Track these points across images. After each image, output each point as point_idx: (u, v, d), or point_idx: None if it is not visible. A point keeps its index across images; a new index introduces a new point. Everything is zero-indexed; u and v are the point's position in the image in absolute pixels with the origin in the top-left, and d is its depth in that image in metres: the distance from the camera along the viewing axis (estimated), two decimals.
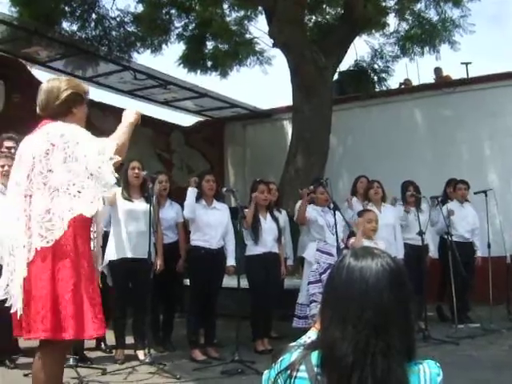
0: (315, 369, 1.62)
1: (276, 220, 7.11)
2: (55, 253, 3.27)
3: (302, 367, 1.64)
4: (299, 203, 7.39)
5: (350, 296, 1.63)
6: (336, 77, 12.16)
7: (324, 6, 12.43)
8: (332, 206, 6.98)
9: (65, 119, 3.55)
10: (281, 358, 1.71)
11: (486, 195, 8.53)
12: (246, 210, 6.81)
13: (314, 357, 1.65)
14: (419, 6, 11.71)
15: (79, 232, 3.37)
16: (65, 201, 3.33)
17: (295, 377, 1.64)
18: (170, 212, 7.05)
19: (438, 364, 1.65)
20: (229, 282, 6.88)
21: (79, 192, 3.34)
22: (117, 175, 3.43)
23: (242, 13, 11.97)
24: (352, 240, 6.70)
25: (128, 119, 3.67)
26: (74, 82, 3.79)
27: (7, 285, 3.34)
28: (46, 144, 3.40)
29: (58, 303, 3.22)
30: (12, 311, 3.29)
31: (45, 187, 3.36)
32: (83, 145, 3.39)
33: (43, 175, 3.37)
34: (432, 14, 11.56)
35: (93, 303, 3.32)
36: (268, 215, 7.06)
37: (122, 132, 3.58)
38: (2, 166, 5.95)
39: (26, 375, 5.40)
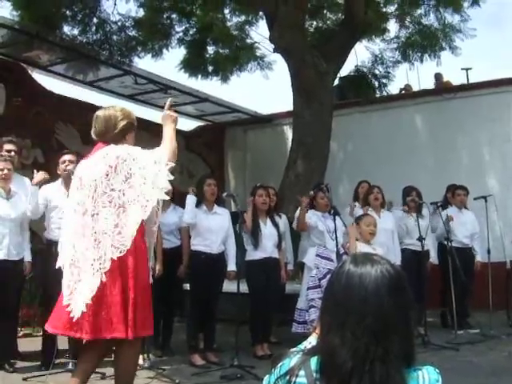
0: (314, 374, 1.62)
1: (276, 225, 7.11)
2: (126, 261, 3.71)
3: (301, 372, 1.64)
4: (299, 210, 7.40)
5: (349, 302, 1.63)
6: (336, 82, 12.17)
7: (325, 12, 12.46)
8: (332, 211, 6.98)
9: (117, 144, 3.96)
10: (280, 363, 1.71)
11: (485, 201, 8.52)
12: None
13: (313, 362, 1.65)
14: (419, 11, 11.73)
15: (141, 239, 3.84)
16: (131, 214, 3.76)
17: (294, 382, 1.64)
18: (172, 217, 7.03)
19: (437, 370, 1.65)
20: (228, 286, 6.87)
21: (147, 201, 3.78)
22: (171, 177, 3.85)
23: (242, 18, 12.01)
24: (348, 244, 6.71)
25: (168, 124, 4.02)
26: (127, 111, 4.17)
27: (71, 292, 3.73)
28: (105, 167, 3.81)
29: (126, 308, 3.66)
30: (73, 315, 3.65)
31: (110, 204, 3.78)
32: (139, 159, 3.82)
33: (107, 194, 3.79)
34: (432, 20, 11.59)
35: (147, 307, 3.80)
36: (268, 220, 7.06)
37: (169, 139, 3.94)
38: (2, 170, 5.95)
39: (24, 379, 5.41)
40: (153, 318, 3.88)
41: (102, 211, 3.78)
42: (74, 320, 3.64)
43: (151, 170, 3.78)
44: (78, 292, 3.70)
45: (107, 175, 3.79)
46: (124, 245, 3.71)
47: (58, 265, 4.01)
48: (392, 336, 1.59)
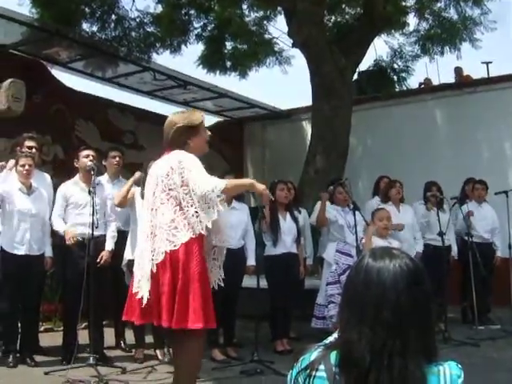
0: (334, 368, 1.63)
1: (295, 220, 7.10)
2: (178, 256, 3.87)
3: (321, 367, 1.65)
4: (318, 205, 7.40)
5: (367, 297, 1.63)
6: (355, 77, 12.11)
7: (343, 6, 12.38)
8: (352, 206, 6.97)
9: (182, 149, 4.09)
10: (301, 358, 1.72)
11: (506, 195, 8.46)
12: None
13: (333, 357, 1.65)
14: (439, 5, 11.63)
15: (196, 240, 3.94)
16: (187, 216, 3.91)
17: (314, 376, 1.65)
18: None
19: (459, 366, 1.64)
20: (248, 282, 6.87)
21: (196, 213, 3.90)
22: (219, 208, 3.91)
23: (261, 13, 11.97)
24: (363, 240, 6.69)
25: (252, 184, 4.24)
26: (185, 114, 4.32)
27: (139, 280, 3.98)
28: (167, 167, 4.01)
29: (175, 299, 3.82)
30: (143, 302, 3.90)
31: (168, 202, 3.99)
32: (194, 175, 3.92)
33: (166, 192, 4.00)
34: (452, 13, 11.50)
35: (201, 299, 3.90)
36: (287, 215, 7.05)
37: (237, 182, 4.26)
38: (23, 166, 6.00)
39: (46, 373, 5.46)
40: (211, 311, 4.03)
41: (160, 207, 4.01)
42: (143, 307, 3.92)
43: (205, 190, 3.85)
44: (143, 280, 3.95)
45: (168, 175, 3.99)
46: (179, 239, 3.89)
47: (132, 257, 4.42)
48: (411, 331, 1.59)
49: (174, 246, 3.88)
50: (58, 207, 6.18)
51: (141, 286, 3.95)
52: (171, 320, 3.81)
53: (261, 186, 4.15)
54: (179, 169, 3.95)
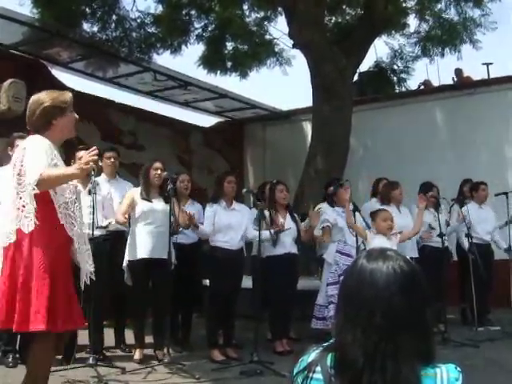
0: (329, 370, 1.63)
1: (295, 220, 7.11)
2: (14, 250, 3.66)
3: (318, 368, 1.65)
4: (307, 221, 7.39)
5: (361, 299, 1.63)
6: (356, 77, 12.12)
7: (344, 7, 12.41)
8: (352, 207, 6.97)
9: (45, 131, 3.87)
10: (300, 359, 1.73)
11: (507, 197, 8.45)
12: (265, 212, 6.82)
13: (330, 358, 1.65)
14: (439, 6, 11.64)
15: (39, 232, 3.66)
16: (15, 210, 3.68)
17: (311, 378, 1.65)
18: (191, 211, 7.05)
19: (458, 368, 1.63)
20: (247, 283, 6.88)
21: (23, 206, 3.66)
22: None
23: (261, 13, 11.99)
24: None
25: (75, 174, 3.90)
26: (52, 94, 3.99)
27: None
28: (15, 158, 3.84)
29: (12, 298, 3.59)
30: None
31: (12, 196, 3.75)
32: (29, 162, 3.69)
33: (13, 186, 3.75)
34: (452, 14, 11.50)
35: (40, 298, 3.56)
36: (288, 216, 7.06)
37: (60, 171, 3.83)
38: None
39: None
40: (43, 314, 3.59)
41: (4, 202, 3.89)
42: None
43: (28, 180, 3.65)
44: None
45: (15, 165, 3.80)
46: (8, 237, 3.68)
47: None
48: (404, 333, 1.58)
49: (9, 239, 3.67)
50: None
51: None
52: (12, 321, 3.57)
53: (84, 171, 3.89)
54: (21, 157, 3.74)
